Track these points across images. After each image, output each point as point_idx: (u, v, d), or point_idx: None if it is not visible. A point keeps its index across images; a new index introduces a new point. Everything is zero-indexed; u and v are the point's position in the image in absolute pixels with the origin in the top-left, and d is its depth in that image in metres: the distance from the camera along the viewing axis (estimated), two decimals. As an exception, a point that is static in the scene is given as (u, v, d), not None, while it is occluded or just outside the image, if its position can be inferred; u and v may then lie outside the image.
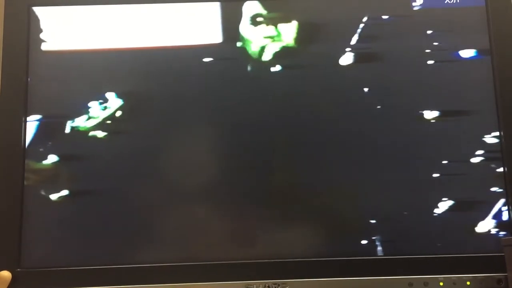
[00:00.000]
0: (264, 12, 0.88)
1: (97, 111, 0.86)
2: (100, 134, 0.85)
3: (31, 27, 0.88)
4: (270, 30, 0.88)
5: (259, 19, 0.88)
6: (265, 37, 0.87)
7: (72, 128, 0.85)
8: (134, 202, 0.84)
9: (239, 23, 0.88)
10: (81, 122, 0.86)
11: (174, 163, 0.85)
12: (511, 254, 0.77)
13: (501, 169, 0.84)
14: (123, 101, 0.86)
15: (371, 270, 0.80)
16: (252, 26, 0.88)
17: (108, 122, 0.86)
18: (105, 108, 0.86)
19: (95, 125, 0.85)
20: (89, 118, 0.86)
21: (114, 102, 0.86)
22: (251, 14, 0.88)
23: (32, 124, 0.86)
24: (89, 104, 0.86)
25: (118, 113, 0.86)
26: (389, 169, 0.84)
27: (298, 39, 0.87)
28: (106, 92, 0.86)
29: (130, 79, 0.87)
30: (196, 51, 0.87)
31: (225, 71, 0.87)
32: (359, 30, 0.87)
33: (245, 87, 0.86)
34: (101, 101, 0.86)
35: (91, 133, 0.85)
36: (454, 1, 0.89)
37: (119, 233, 0.83)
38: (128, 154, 0.85)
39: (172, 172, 0.85)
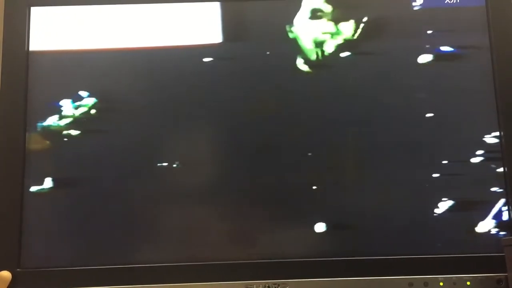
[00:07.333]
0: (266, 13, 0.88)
1: (95, 110, 0.86)
2: (100, 133, 0.85)
3: (31, 27, 0.88)
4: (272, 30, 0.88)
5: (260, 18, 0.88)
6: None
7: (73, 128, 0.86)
8: (135, 202, 0.84)
9: (239, 23, 0.88)
10: (80, 121, 0.86)
11: (174, 163, 0.85)
12: (511, 254, 0.77)
13: (501, 169, 0.83)
14: (122, 100, 0.86)
15: (371, 270, 0.80)
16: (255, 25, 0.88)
17: (109, 122, 0.86)
18: (104, 108, 0.86)
19: (95, 125, 0.86)
20: (89, 118, 0.86)
21: (112, 101, 0.86)
22: (252, 15, 0.88)
23: (32, 123, 0.86)
24: (89, 104, 0.86)
25: (118, 113, 0.86)
26: (389, 169, 0.84)
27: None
28: (105, 92, 0.86)
29: (130, 79, 0.87)
30: (196, 51, 0.87)
31: (225, 71, 0.87)
32: (359, 30, 0.87)
33: (245, 86, 0.87)
34: (99, 100, 0.86)
35: (91, 133, 0.85)
36: (454, 1, 0.89)
37: (119, 233, 0.83)
38: (128, 154, 0.85)
39: (173, 172, 0.85)
